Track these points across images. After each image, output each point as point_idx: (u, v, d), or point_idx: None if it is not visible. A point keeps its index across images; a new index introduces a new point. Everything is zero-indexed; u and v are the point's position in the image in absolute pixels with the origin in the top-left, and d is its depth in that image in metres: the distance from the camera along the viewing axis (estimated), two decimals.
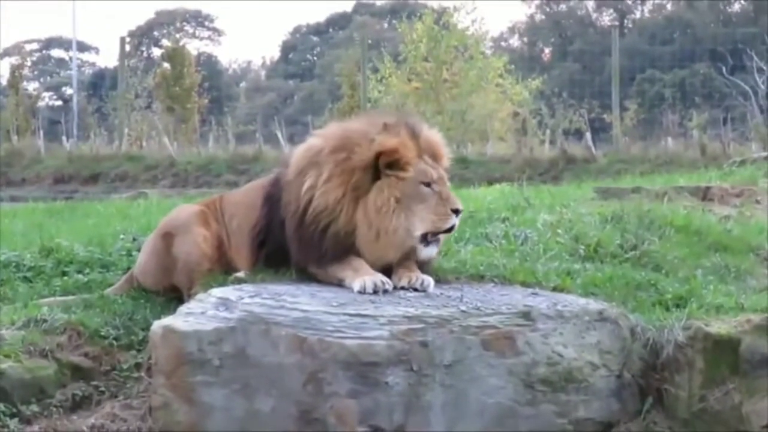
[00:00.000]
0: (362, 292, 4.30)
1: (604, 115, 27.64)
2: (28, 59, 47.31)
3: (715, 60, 37.46)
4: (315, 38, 62.76)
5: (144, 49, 56.52)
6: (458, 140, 23.48)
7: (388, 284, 4.35)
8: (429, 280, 4.46)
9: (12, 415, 4.16)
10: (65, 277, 5.44)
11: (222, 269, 4.86)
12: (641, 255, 5.35)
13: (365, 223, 4.42)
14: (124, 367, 4.50)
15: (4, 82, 33.61)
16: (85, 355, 4.49)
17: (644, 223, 5.78)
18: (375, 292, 4.29)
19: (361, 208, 4.42)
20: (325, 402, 3.99)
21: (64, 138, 27.18)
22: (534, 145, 23.39)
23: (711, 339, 4.29)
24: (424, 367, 4.02)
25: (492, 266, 4.88)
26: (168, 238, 4.99)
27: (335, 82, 35.74)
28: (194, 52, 41.40)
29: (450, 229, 4.51)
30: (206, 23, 61.20)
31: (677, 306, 4.65)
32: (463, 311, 4.16)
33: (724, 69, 33.31)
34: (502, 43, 52.74)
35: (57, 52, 60.90)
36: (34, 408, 4.22)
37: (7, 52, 48.83)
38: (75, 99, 39.51)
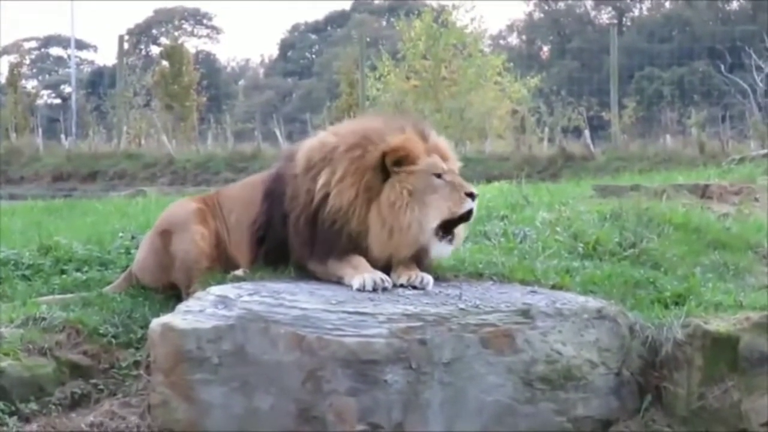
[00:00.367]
0: (361, 289, 4.30)
1: (603, 113, 27.66)
2: (27, 57, 47.31)
3: (713, 58, 37.44)
4: (313, 36, 62.72)
5: (142, 47, 56.49)
6: (457, 138, 23.42)
7: (388, 282, 4.35)
8: (428, 278, 4.45)
9: (11, 413, 4.16)
10: (64, 276, 5.44)
11: (221, 267, 4.84)
12: (640, 253, 5.35)
13: (378, 222, 4.39)
14: (123, 365, 4.50)
15: (3, 81, 33.57)
16: (84, 353, 4.49)
17: (643, 221, 5.78)
18: (374, 289, 4.29)
19: (374, 208, 4.40)
20: (324, 400, 3.99)
21: (62, 136, 27.16)
22: (533, 143, 23.38)
23: (710, 337, 4.29)
24: (422, 365, 4.02)
25: (491, 264, 4.88)
26: (166, 235, 4.97)
27: (334, 80, 35.77)
28: (193, 50, 41.45)
29: (468, 215, 4.46)
30: (205, 21, 61.17)
31: (676, 304, 4.65)
32: (462, 309, 4.16)
33: (722, 67, 33.29)
34: (501, 41, 52.75)
35: (55, 51, 60.90)
36: (33, 406, 4.23)
37: (5, 51, 48.80)
38: (74, 97, 39.45)
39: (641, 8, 56.48)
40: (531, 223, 5.82)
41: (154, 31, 58.64)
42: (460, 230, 4.60)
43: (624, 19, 54.43)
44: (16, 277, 5.44)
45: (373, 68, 28.78)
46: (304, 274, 4.59)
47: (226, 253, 4.92)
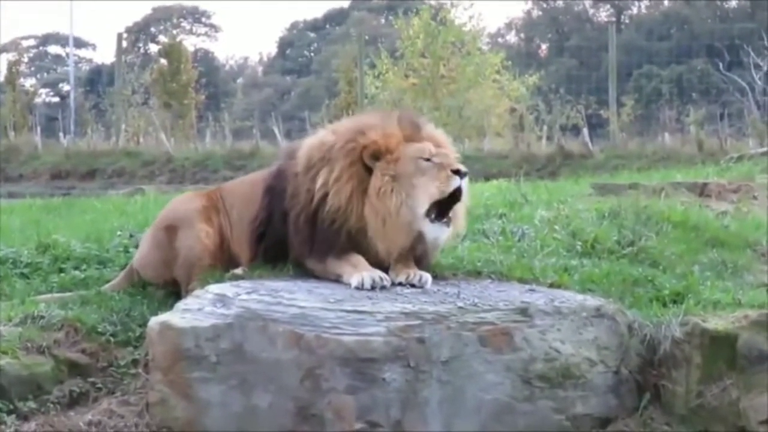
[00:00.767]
0: (360, 288, 4.30)
1: (601, 111, 27.60)
2: (25, 55, 47.26)
3: (712, 56, 37.42)
4: (312, 34, 62.68)
5: (141, 45, 56.39)
6: (455, 136, 23.38)
7: (386, 280, 4.35)
8: (426, 277, 4.46)
9: (9, 412, 4.16)
10: (62, 274, 5.44)
11: (224, 265, 4.85)
12: (638, 251, 5.35)
13: (372, 213, 4.40)
14: (121, 363, 4.49)
15: (2, 79, 33.48)
16: (82, 351, 4.49)
17: (641, 219, 5.79)
18: (373, 288, 4.30)
19: (367, 202, 4.41)
20: (323, 398, 4.00)
21: (61, 134, 27.11)
22: (531, 141, 23.33)
23: (708, 335, 4.29)
24: (421, 363, 4.02)
25: (489, 262, 4.88)
26: (171, 230, 4.98)
27: (332, 78, 35.70)
28: (191, 49, 41.31)
29: (456, 194, 4.41)
30: (203, 19, 61.11)
31: (674, 302, 4.65)
32: (460, 307, 4.16)
33: (721, 65, 33.24)
34: (499, 39, 52.72)
35: (54, 49, 60.85)
36: (31, 404, 4.22)
37: (4, 49, 48.73)
38: (72, 95, 39.37)
39: (640, 6, 56.50)
40: (529, 221, 5.82)
41: (153, 29, 58.58)
42: (459, 212, 4.55)
43: (622, 17, 54.43)
44: (15, 275, 5.44)
45: (372, 66, 28.74)
46: (303, 272, 4.60)
47: (229, 251, 4.93)
